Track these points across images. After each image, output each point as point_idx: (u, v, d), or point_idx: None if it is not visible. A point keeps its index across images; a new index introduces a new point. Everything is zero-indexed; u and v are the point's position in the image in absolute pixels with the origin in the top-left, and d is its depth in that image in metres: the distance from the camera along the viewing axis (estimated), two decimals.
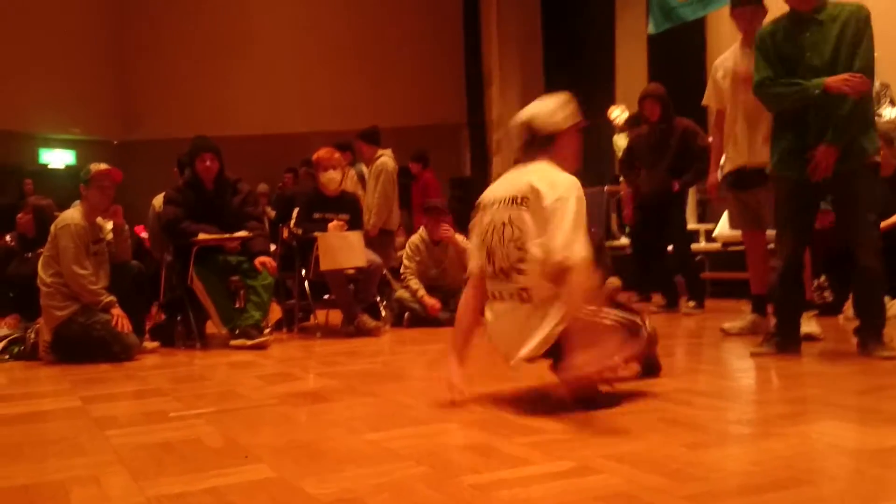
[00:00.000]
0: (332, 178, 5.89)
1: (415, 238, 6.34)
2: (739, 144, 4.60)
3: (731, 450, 2.17)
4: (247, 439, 2.46)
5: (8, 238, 6.08)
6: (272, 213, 7.65)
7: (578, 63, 12.69)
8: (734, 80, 4.62)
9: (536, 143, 2.87)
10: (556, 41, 13.17)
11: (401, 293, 6.12)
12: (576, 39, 12.86)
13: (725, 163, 4.78)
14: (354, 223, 5.92)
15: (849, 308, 5.24)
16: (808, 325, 4.28)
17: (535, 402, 2.83)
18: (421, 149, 9.70)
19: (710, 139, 4.99)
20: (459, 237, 6.26)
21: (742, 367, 3.69)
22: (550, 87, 14.57)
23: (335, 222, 5.74)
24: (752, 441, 2.26)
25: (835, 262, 5.27)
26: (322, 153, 5.96)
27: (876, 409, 2.61)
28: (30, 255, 5.27)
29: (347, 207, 5.97)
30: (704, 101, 5.03)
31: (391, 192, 6.98)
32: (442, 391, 2.86)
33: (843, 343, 4.21)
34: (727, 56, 4.76)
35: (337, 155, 6.06)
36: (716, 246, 7.77)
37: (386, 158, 6.99)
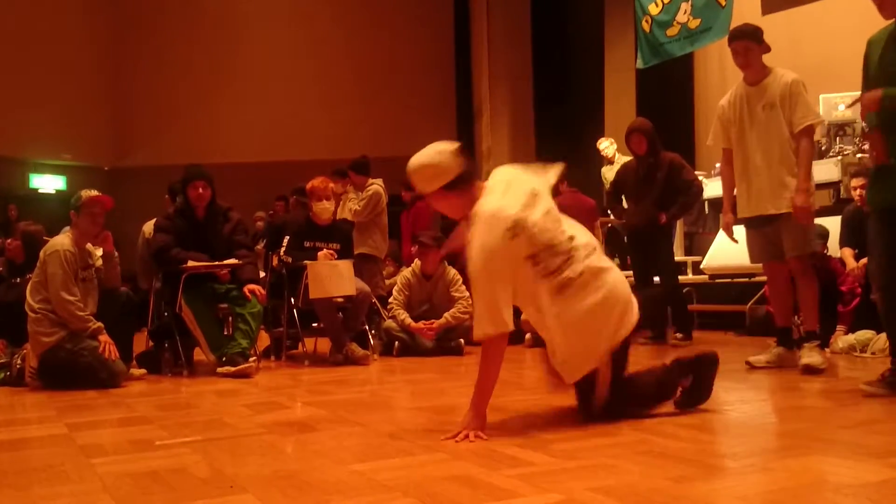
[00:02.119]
0: (325, 209, 5.92)
1: (407, 272, 6.38)
2: (752, 191, 4.53)
3: (718, 484, 2.17)
4: (233, 469, 2.45)
5: None
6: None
7: (568, 96, 12.83)
8: (739, 120, 4.58)
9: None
10: (546, 74, 13.31)
11: (388, 323, 6.13)
12: (565, 73, 13.01)
13: (740, 208, 4.69)
14: (345, 252, 5.93)
15: (835, 341, 5.28)
16: (810, 355, 4.30)
17: (523, 434, 2.83)
18: None
19: (720, 176, 4.89)
20: (452, 270, 6.30)
21: (729, 399, 3.70)
22: (540, 120, 14.71)
23: (325, 251, 5.76)
24: (738, 475, 2.27)
25: (822, 295, 5.30)
26: (316, 183, 5.99)
27: (864, 443, 2.62)
28: (17, 280, 5.26)
29: (339, 237, 5.99)
30: (709, 142, 5.00)
31: (378, 219, 7.00)
32: (456, 433, 2.80)
33: (831, 378, 4.24)
34: (730, 94, 4.70)
35: (331, 185, 6.09)
36: (703, 278, 7.81)
37: (377, 187, 7.03)
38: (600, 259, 2.99)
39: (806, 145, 4.36)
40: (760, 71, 4.51)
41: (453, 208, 3.03)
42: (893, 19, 3.55)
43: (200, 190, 5.26)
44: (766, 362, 4.58)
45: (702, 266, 7.76)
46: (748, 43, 4.49)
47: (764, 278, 6.32)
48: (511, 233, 2.78)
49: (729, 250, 7.52)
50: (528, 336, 6.46)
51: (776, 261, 4.63)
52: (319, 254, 5.71)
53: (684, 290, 7.01)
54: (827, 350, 5.27)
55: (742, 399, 3.66)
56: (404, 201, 9.61)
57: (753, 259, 4.77)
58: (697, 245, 8.93)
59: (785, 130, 4.40)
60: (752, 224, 4.63)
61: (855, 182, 5.90)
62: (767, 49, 4.52)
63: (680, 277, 6.98)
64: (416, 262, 6.36)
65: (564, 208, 3.10)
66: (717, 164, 6.30)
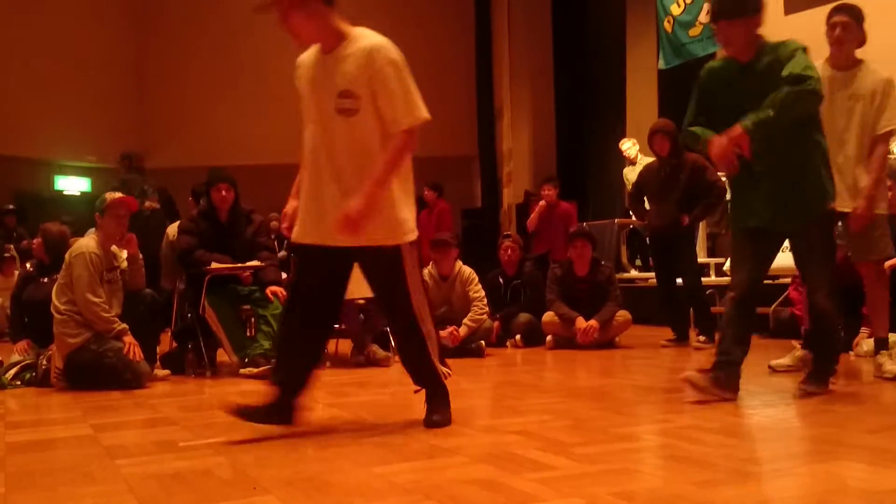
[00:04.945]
0: None
1: (423, 275, 6.36)
2: None
3: (741, 489, 2.15)
4: (256, 471, 2.46)
5: (28, 265, 6.18)
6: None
7: (589, 97, 12.78)
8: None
9: None
10: (568, 75, 13.26)
11: None
12: (587, 73, 12.95)
13: None
14: None
15: (859, 344, 5.22)
16: (892, 364, 4.15)
17: (544, 437, 2.83)
18: (435, 178, 9.76)
19: None
20: (466, 269, 6.29)
21: (753, 403, 3.67)
22: (561, 121, 14.64)
23: None
24: (762, 480, 2.25)
25: (846, 297, 5.25)
26: None
27: (888, 448, 2.59)
28: (45, 279, 5.31)
29: None
30: None
31: None
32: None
33: (855, 381, 4.19)
34: None
35: None
36: (726, 280, 7.75)
37: None
38: None
39: (882, 151, 4.14)
40: (851, 56, 4.20)
41: (306, 27, 2.93)
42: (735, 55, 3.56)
43: (224, 192, 5.31)
44: (788, 366, 4.51)
45: (725, 268, 7.69)
46: (849, 19, 4.14)
47: (787, 280, 6.27)
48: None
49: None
50: (549, 338, 6.45)
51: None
52: None
53: (707, 292, 6.96)
54: (851, 353, 5.22)
55: (766, 403, 3.63)
56: (426, 201, 9.62)
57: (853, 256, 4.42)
58: (720, 246, 8.86)
59: (868, 127, 4.14)
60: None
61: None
62: (863, 37, 4.19)
63: (703, 279, 6.93)
64: (431, 265, 6.35)
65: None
66: None
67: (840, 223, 4.23)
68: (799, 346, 4.60)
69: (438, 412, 3.14)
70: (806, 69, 3.37)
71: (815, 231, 3.63)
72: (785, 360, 4.55)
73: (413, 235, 3.07)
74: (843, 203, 4.09)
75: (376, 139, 2.93)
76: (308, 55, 3.07)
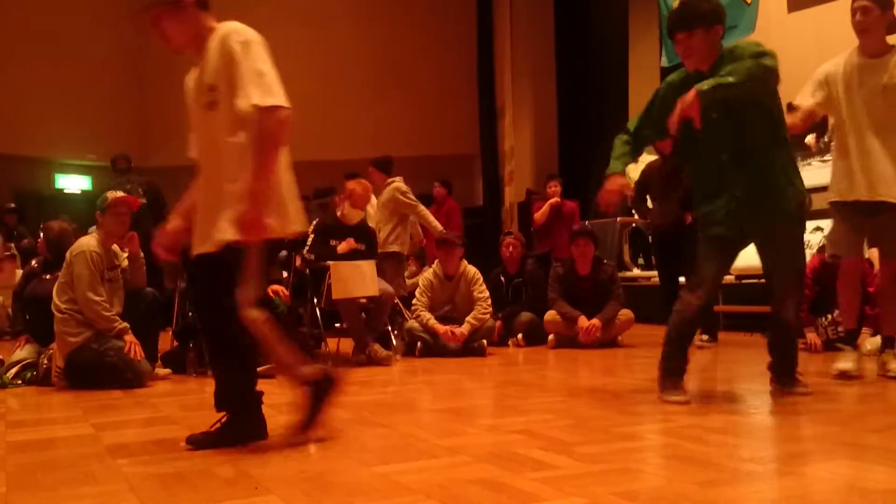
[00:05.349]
0: (357, 214, 6.00)
1: (428, 273, 6.37)
2: (862, 173, 4.02)
3: (744, 488, 2.15)
4: (257, 470, 2.46)
5: (34, 262, 6.18)
6: None
7: (592, 95, 12.75)
8: (848, 88, 4.07)
9: None
10: (570, 73, 13.24)
11: (411, 324, 6.13)
12: (589, 72, 12.92)
13: (831, 189, 4.20)
14: (370, 254, 5.96)
15: (862, 342, 5.20)
16: (846, 360, 4.17)
17: (546, 436, 2.82)
18: (436, 176, 9.75)
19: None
20: (471, 269, 6.28)
21: (756, 403, 3.67)
22: (563, 119, 14.59)
23: (343, 244, 5.78)
24: (765, 480, 2.24)
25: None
26: (360, 190, 6.04)
27: (892, 448, 2.58)
28: (48, 276, 5.30)
29: (365, 238, 6.03)
30: (797, 101, 4.33)
31: (404, 216, 6.97)
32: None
33: (858, 380, 4.18)
34: (838, 61, 4.16)
35: (371, 195, 6.21)
36: (729, 278, 7.74)
37: (398, 184, 7.04)
38: None
39: None
40: (881, 42, 4.02)
41: (177, 34, 2.81)
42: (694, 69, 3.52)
43: None
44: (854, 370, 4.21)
45: None
46: (870, 3, 3.97)
47: None
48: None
49: (755, 250, 7.47)
50: (551, 337, 6.44)
51: (857, 256, 4.23)
52: (341, 245, 5.75)
53: None
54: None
55: (768, 402, 3.62)
56: (434, 197, 9.58)
57: (834, 249, 4.29)
58: None
59: None
60: (848, 211, 4.12)
61: None
62: (894, 24, 4.02)
63: None
64: (437, 264, 6.34)
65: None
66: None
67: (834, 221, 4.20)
68: (850, 349, 4.36)
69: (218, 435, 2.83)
70: (762, 51, 3.32)
71: (783, 235, 3.58)
72: (851, 364, 4.21)
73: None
74: (876, 192, 3.95)
75: (234, 131, 2.66)
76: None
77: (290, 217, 2.76)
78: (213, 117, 2.74)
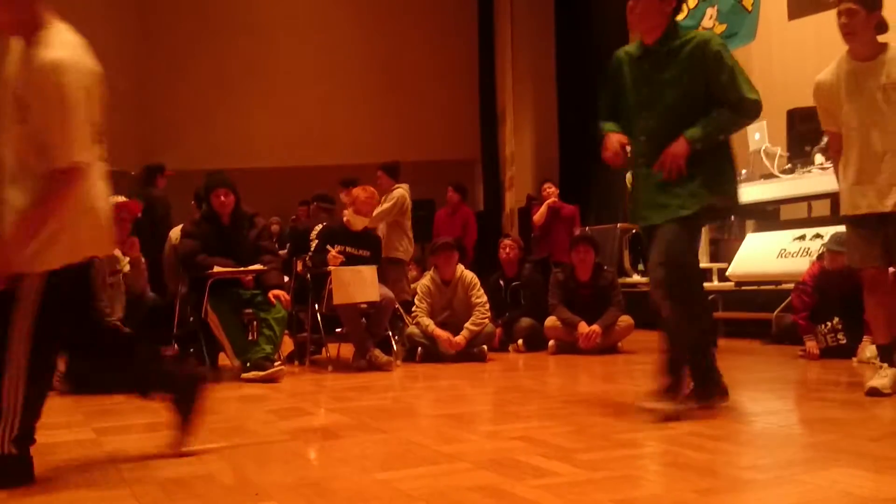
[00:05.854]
0: (361, 220, 6.00)
1: (425, 280, 6.38)
2: (869, 184, 3.87)
3: (743, 496, 2.15)
4: (258, 476, 2.47)
5: None
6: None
7: (592, 100, 12.74)
8: (848, 97, 3.93)
9: None
10: (571, 79, 13.25)
11: (411, 329, 6.14)
12: (590, 77, 12.94)
13: (849, 203, 3.98)
14: (374, 260, 5.97)
15: (862, 350, 5.21)
16: (880, 378, 3.85)
17: (547, 443, 2.82)
18: (438, 182, 9.73)
19: (833, 165, 4.18)
20: (468, 273, 6.30)
21: (755, 410, 3.67)
22: (564, 125, 14.55)
23: (333, 252, 5.77)
24: (764, 488, 2.25)
25: (849, 304, 5.25)
26: (364, 197, 6.03)
27: (890, 456, 2.58)
28: None
29: (369, 244, 6.04)
30: (825, 126, 4.17)
31: (404, 223, 7.03)
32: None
33: (857, 388, 4.18)
34: (830, 71, 4.04)
35: (374, 202, 6.21)
36: (729, 285, 7.75)
37: (402, 191, 7.06)
38: None
39: None
40: (870, 44, 3.86)
41: (3, 14, 2.59)
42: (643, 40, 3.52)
43: (223, 198, 5.30)
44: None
45: (727, 273, 7.69)
46: (854, 5, 3.80)
47: (790, 286, 6.26)
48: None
49: (755, 257, 7.48)
50: (551, 343, 6.44)
51: (880, 268, 3.96)
52: (329, 256, 5.73)
53: (709, 298, 6.96)
54: (854, 359, 5.21)
55: (768, 410, 3.63)
56: (448, 201, 9.54)
57: (853, 262, 4.06)
58: (723, 251, 8.85)
59: None
60: (862, 223, 3.94)
61: None
62: (882, 24, 3.85)
63: (705, 284, 6.92)
64: (433, 270, 6.35)
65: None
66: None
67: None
68: (886, 366, 3.96)
69: None
70: (749, 91, 3.34)
71: (672, 230, 3.43)
72: (888, 381, 3.87)
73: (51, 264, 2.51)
74: (884, 203, 3.81)
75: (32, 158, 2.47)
76: None
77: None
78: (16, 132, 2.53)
